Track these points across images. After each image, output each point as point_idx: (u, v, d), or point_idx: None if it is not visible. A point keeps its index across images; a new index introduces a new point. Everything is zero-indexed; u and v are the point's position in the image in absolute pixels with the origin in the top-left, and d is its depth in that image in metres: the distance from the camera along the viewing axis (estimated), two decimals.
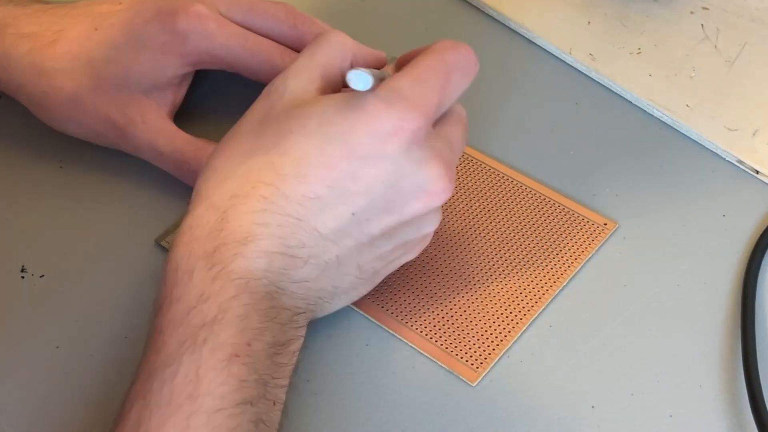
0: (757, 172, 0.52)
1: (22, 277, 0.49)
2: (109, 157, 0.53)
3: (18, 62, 0.50)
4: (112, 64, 0.50)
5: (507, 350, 0.45)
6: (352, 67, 0.43)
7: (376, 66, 0.46)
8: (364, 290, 0.45)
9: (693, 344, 0.45)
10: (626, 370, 0.44)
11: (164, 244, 0.49)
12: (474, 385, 0.43)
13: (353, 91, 0.40)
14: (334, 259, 0.41)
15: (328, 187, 0.40)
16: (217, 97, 0.56)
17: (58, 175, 0.53)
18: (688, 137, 0.55)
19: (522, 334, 0.45)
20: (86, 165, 0.53)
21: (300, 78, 0.42)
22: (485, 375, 0.44)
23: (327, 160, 0.40)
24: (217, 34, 0.49)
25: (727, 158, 0.53)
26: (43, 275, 0.49)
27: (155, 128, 0.50)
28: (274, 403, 0.39)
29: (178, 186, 0.50)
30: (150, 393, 0.36)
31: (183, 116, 0.52)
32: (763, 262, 0.48)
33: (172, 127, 0.51)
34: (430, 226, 0.44)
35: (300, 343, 0.42)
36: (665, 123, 0.55)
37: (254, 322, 0.38)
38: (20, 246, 0.50)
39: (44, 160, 0.54)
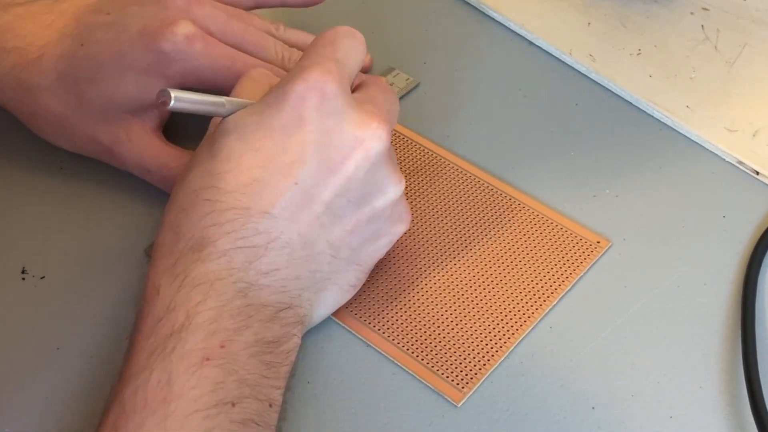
0: (757, 173, 0.52)
1: (23, 279, 0.49)
2: None
3: (3, 79, 0.50)
4: (96, 86, 0.49)
5: (500, 362, 0.44)
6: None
7: None
8: (351, 277, 0.45)
9: (693, 345, 0.45)
10: (626, 371, 0.44)
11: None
12: (458, 405, 0.43)
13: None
14: (296, 238, 0.41)
15: (262, 167, 0.41)
16: None
17: (58, 177, 0.53)
18: (688, 138, 0.55)
19: (515, 346, 0.45)
20: (87, 167, 0.53)
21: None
22: (474, 392, 0.43)
23: (252, 144, 0.41)
24: (203, 56, 0.48)
25: (727, 159, 0.53)
26: (43, 277, 0.49)
27: (141, 146, 0.50)
28: (270, 405, 0.39)
29: None
30: (125, 399, 0.37)
31: (179, 120, 0.52)
32: (763, 263, 0.48)
33: (159, 143, 0.50)
34: (392, 184, 0.43)
35: (294, 343, 0.42)
36: (665, 124, 0.56)
37: (227, 323, 0.39)
38: (21, 247, 0.50)
39: (45, 162, 0.53)
